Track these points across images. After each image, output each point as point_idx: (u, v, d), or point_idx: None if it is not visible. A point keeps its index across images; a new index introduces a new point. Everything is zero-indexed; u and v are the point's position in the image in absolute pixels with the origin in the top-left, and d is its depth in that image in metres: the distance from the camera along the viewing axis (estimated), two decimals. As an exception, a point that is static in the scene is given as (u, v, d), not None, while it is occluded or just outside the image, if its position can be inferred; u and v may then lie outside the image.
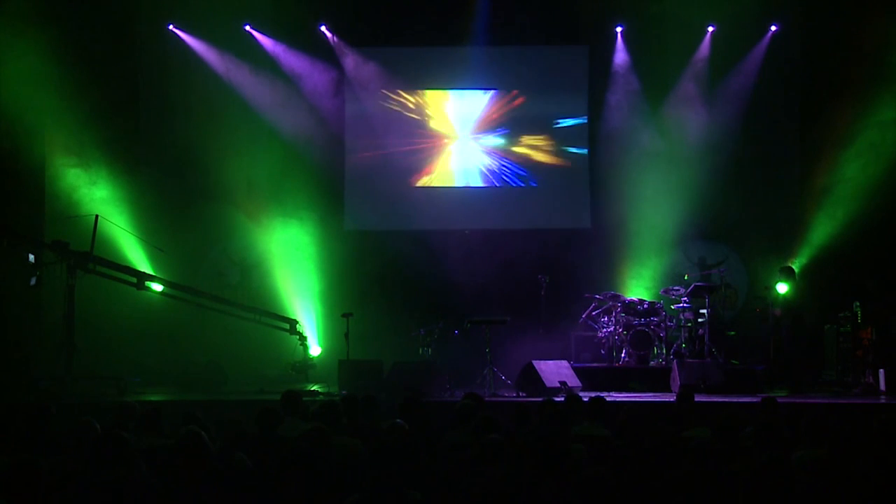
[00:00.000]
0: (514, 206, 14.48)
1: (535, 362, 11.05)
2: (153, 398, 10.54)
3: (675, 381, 11.18)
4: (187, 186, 13.72)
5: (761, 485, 4.66)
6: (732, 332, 12.76)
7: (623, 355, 12.47)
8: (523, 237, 13.90)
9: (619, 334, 12.51)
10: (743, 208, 13.71)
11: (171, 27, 14.04)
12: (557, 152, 14.47)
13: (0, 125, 12.08)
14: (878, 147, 12.83)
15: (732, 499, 4.74)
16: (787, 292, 12.05)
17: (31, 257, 11.30)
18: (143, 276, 12.09)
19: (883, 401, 10.53)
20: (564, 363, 11.52)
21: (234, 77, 14.04)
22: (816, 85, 13.67)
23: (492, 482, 4.70)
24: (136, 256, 13.10)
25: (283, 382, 11.68)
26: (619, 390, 11.32)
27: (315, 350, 13.42)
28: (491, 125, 14.53)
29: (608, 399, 7.39)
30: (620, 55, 14.23)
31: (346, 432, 6.28)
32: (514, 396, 10.92)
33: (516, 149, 14.51)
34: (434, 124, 14.54)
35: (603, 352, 12.66)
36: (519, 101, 14.45)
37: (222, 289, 13.61)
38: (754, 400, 9.12)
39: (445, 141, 14.55)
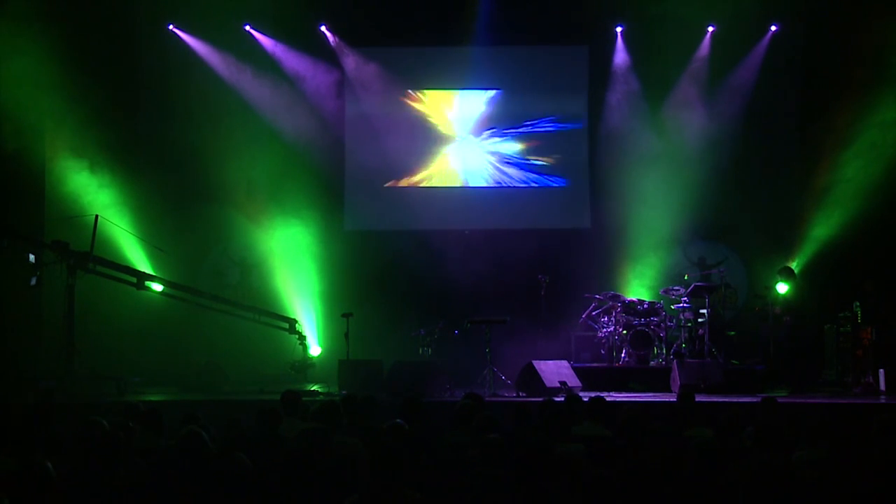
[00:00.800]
0: (514, 206, 14.47)
1: (535, 362, 11.05)
2: (153, 398, 10.54)
3: (675, 381, 11.18)
4: (187, 186, 13.71)
5: (761, 485, 4.66)
6: (732, 332, 12.76)
7: (623, 355, 12.47)
8: (523, 237, 13.89)
9: (619, 334, 12.51)
10: (743, 208, 13.70)
11: (171, 27, 14.04)
12: (557, 152, 14.47)
13: (0, 126, 12.08)
14: (878, 147, 12.83)
15: (733, 499, 4.74)
16: (787, 292, 12.04)
17: (32, 257, 11.32)
18: (143, 276, 12.10)
19: (883, 401, 10.53)
20: (564, 363, 11.52)
21: (235, 77, 14.03)
22: (816, 85, 13.66)
23: (492, 482, 4.70)
24: (136, 256, 13.11)
25: (282, 382, 11.67)
26: (619, 390, 11.32)
27: (315, 350, 13.42)
28: (491, 125, 14.52)
29: (608, 399, 7.39)
30: (620, 55, 14.23)
31: (346, 432, 6.28)
32: (514, 396, 10.92)
33: (516, 149, 14.51)
34: (434, 124, 14.53)
35: (603, 352, 12.66)
36: (519, 100, 14.44)
37: (222, 289, 13.62)
38: (754, 400, 9.11)
39: (445, 141, 14.55)
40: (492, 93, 14.52)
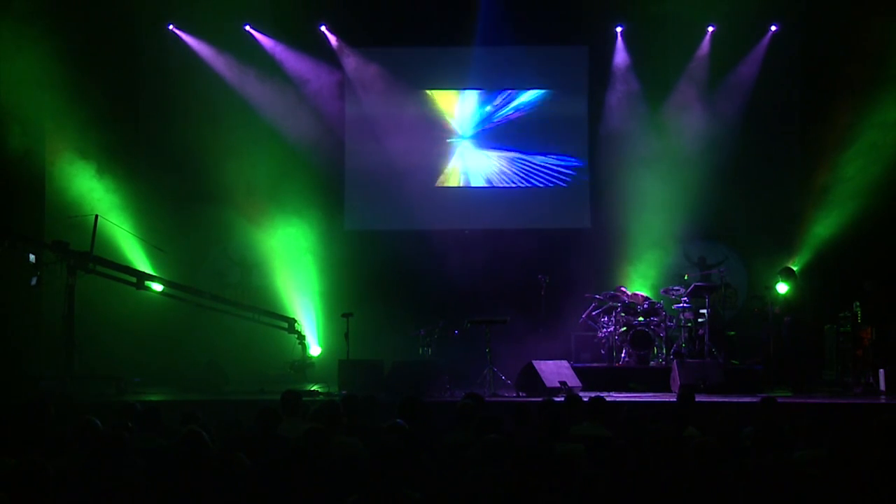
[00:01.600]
0: (514, 206, 14.48)
1: (535, 362, 11.05)
2: (153, 398, 10.54)
3: (675, 381, 11.18)
4: (187, 186, 13.71)
5: (761, 485, 4.66)
6: (732, 332, 12.76)
7: (623, 355, 12.47)
8: (523, 237, 13.89)
9: (619, 334, 12.51)
10: (743, 208, 13.71)
11: (171, 27, 14.04)
12: (557, 152, 14.47)
13: (1, 126, 12.08)
14: (879, 147, 12.82)
15: (732, 499, 4.74)
16: (787, 292, 12.05)
17: (32, 257, 11.31)
18: (143, 276, 12.10)
19: (883, 401, 10.53)
20: (564, 363, 11.52)
21: (235, 77, 14.04)
22: (816, 85, 13.67)
23: (492, 482, 4.70)
24: (137, 257, 13.12)
25: (282, 382, 11.67)
26: (619, 390, 11.31)
27: (315, 350, 13.43)
28: (491, 125, 14.53)
29: (608, 399, 7.39)
30: (620, 55, 14.23)
31: (346, 432, 6.28)
32: (514, 396, 10.92)
33: (516, 148, 14.51)
34: (434, 124, 14.53)
35: (603, 352, 12.66)
36: (519, 101, 14.45)
37: (223, 289, 13.63)
38: (754, 400, 9.12)
39: (445, 141, 14.55)
40: (492, 93, 14.52)
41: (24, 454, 4.43)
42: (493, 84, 14.49)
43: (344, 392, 10.63)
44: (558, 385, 10.77)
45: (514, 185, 14.55)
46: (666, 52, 13.78)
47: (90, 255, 11.32)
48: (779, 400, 7.65)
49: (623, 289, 12.88)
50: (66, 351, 10.89)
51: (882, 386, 11.00)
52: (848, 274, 12.55)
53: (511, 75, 14.46)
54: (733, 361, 12.25)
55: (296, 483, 4.85)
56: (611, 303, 12.64)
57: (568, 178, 14.52)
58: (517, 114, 14.48)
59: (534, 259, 13.53)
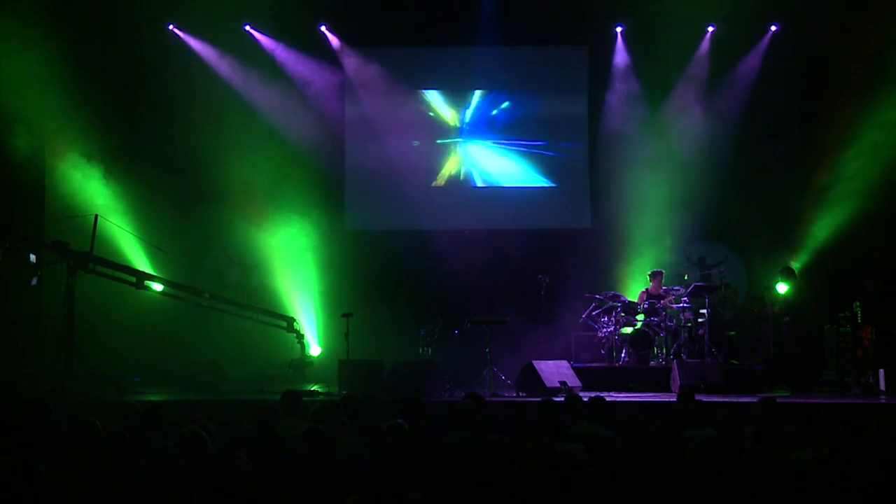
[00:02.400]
0: (514, 206, 14.48)
1: (535, 362, 11.05)
2: (153, 398, 10.54)
3: (675, 381, 11.18)
4: (187, 187, 13.71)
5: (761, 485, 4.66)
6: (732, 332, 12.76)
7: (623, 355, 12.47)
8: (523, 237, 13.89)
9: (619, 334, 12.51)
10: (743, 208, 13.71)
11: (171, 27, 14.04)
12: (557, 152, 14.47)
13: (1, 126, 12.09)
14: (879, 148, 12.82)
15: (732, 499, 4.74)
16: (787, 292, 12.05)
17: (33, 257, 11.31)
18: (143, 276, 12.10)
19: (883, 401, 10.52)
20: (564, 363, 11.52)
21: (235, 77, 14.04)
22: (816, 85, 13.67)
23: (492, 482, 4.70)
24: (137, 257, 13.12)
25: (282, 382, 11.67)
26: (619, 390, 11.32)
27: (315, 350, 13.44)
28: (491, 125, 14.53)
29: (608, 399, 7.39)
30: (620, 55, 14.24)
31: (346, 432, 6.28)
32: (514, 396, 10.92)
33: (516, 149, 14.51)
34: (434, 124, 14.54)
35: (603, 352, 12.66)
36: (519, 100, 14.45)
37: (223, 289, 13.62)
38: (754, 400, 9.11)
39: (445, 141, 14.55)
40: (492, 93, 14.52)
41: (18, 454, 4.42)
42: (493, 84, 14.49)
43: (344, 392, 10.62)
44: (558, 385, 10.78)
45: (513, 186, 14.55)
46: (666, 52, 13.77)
47: (90, 255, 11.32)
48: (779, 400, 7.66)
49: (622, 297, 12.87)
50: (66, 351, 10.88)
51: (882, 386, 11.00)
52: (848, 274, 12.55)
53: (511, 75, 14.46)
54: (733, 361, 12.25)
55: (296, 483, 4.85)
56: (611, 303, 12.64)
57: (568, 179, 14.52)
58: (517, 114, 14.47)
59: (534, 259, 13.53)
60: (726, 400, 10.12)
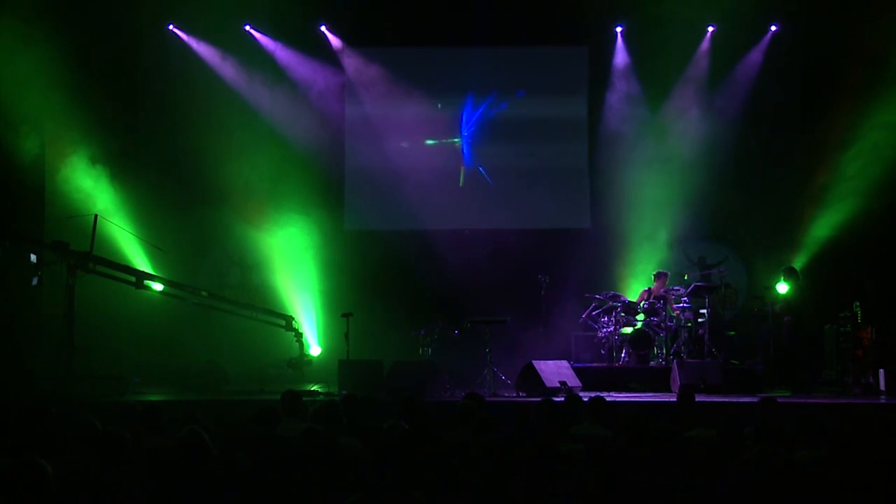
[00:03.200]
0: (514, 206, 14.47)
1: (535, 362, 11.05)
2: (153, 398, 10.54)
3: (675, 381, 11.18)
4: (187, 187, 13.71)
5: (761, 485, 4.66)
6: (732, 332, 12.77)
7: (623, 355, 12.47)
8: (523, 237, 13.89)
9: (619, 334, 12.51)
10: (743, 208, 13.71)
11: (171, 27, 14.04)
12: (557, 152, 14.46)
13: (1, 126, 12.09)
14: (880, 148, 12.83)
15: (732, 499, 4.74)
16: (787, 292, 12.05)
17: (33, 257, 11.31)
18: (142, 276, 12.10)
19: (883, 401, 10.53)
20: (564, 363, 11.53)
21: (235, 77, 14.03)
22: (816, 85, 13.67)
23: (492, 482, 4.70)
24: (137, 257, 13.12)
25: (282, 382, 11.67)
26: (619, 390, 11.32)
27: (315, 350, 13.43)
28: (491, 125, 14.52)
29: (608, 399, 7.39)
30: (620, 55, 14.24)
31: (346, 432, 6.28)
32: (514, 396, 10.92)
33: (516, 149, 14.50)
34: (434, 124, 14.52)
35: (603, 352, 12.66)
36: (519, 101, 14.45)
37: (223, 289, 13.61)
38: (754, 400, 9.12)
39: (445, 141, 14.55)
40: (492, 93, 14.52)
41: (23, 454, 4.42)
42: (492, 84, 14.47)
43: (344, 392, 10.62)
44: (558, 385, 10.78)
45: (514, 186, 14.54)
46: (666, 52, 13.77)
47: (90, 255, 11.32)
48: (779, 400, 7.66)
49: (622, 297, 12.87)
50: (66, 351, 10.88)
51: (882, 386, 11.01)
52: (848, 274, 12.55)
53: (511, 75, 14.45)
54: (733, 361, 12.25)
55: (295, 483, 4.85)
56: (611, 303, 12.64)
57: (568, 179, 14.51)
58: (517, 114, 14.46)
59: (534, 259, 13.53)
60: (726, 400, 10.11)
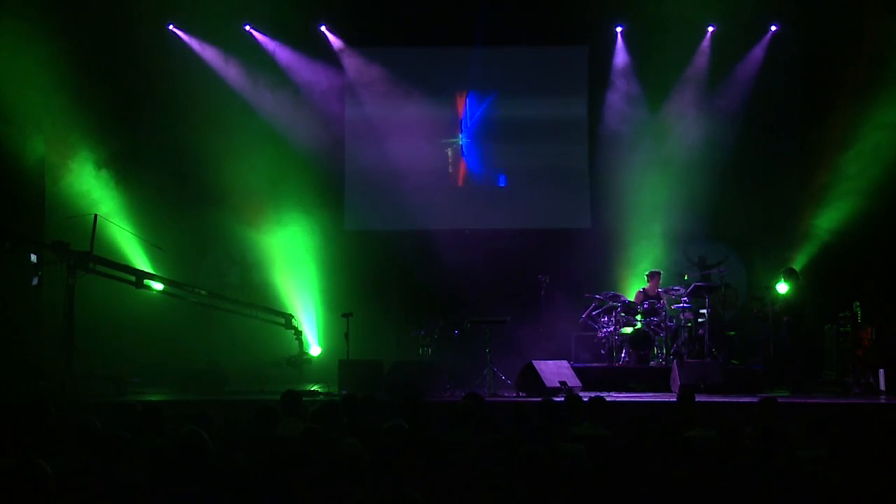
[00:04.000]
0: (514, 206, 14.47)
1: (535, 362, 11.05)
2: (153, 398, 10.55)
3: (675, 381, 11.18)
4: (187, 187, 13.71)
5: (762, 485, 4.66)
6: (732, 332, 12.77)
7: (623, 355, 12.47)
8: (523, 237, 13.89)
9: (619, 334, 12.51)
10: (743, 208, 13.71)
11: (171, 27, 14.04)
12: (557, 152, 14.46)
13: (1, 126, 12.09)
14: (880, 148, 12.82)
15: (732, 499, 4.74)
16: (787, 292, 12.05)
17: (33, 257, 11.31)
18: (142, 275, 12.10)
19: (883, 401, 10.54)
20: (564, 363, 11.53)
21: (236, 77, 14.03)
22: (816, 85, 13.67)
23: (492, 482, 4.70)
24: (137, 257, 13.11)
25: (282, 382, 11.66)
26: (619, 390, 11.33)
27: (315, 350, 13.43)
28: (491, 125, 14.52)
29: (608, 399, 7.39)
30: (620, 55, 14.24)
31: (346, 432, 6.28)
32: (514, 396, 10.93)
33: (516, 148, 14.49)
34: (434, 124, 14.51)
35: (603, 352, 12.66)
36: (519, 101, 14.44)
37: (223, 289, 13.61)
38: (754, 400, 9.11)
39: (445, 141, 14.55)
40: (492, 93, 14.52)
41: (23, 454, 4.42)
42: (492, 84, 14.48)
43: (344, 392, 10.62)
44: (558, 385, 10.78)
45: (514, 185, 14.55)
46: (666, 52, 13.77)
47: (90, 255, 11.32)
48: (779, 400, 7.66)
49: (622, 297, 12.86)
50: (66, 351, 10.88)
51: (882, 386, 11.02)
52: (848, 274, 12.55)
53: (511, 75, 14.45)
54: (733, 361, 12.25)
55: (295, 483, 4.85)
56: (611, 303, 12.64)
57: (568, 179, 14.51)
58: (517, 114, 14.45)
59: (534, 259, 13.53)
60: (726, 400, 10.12)
